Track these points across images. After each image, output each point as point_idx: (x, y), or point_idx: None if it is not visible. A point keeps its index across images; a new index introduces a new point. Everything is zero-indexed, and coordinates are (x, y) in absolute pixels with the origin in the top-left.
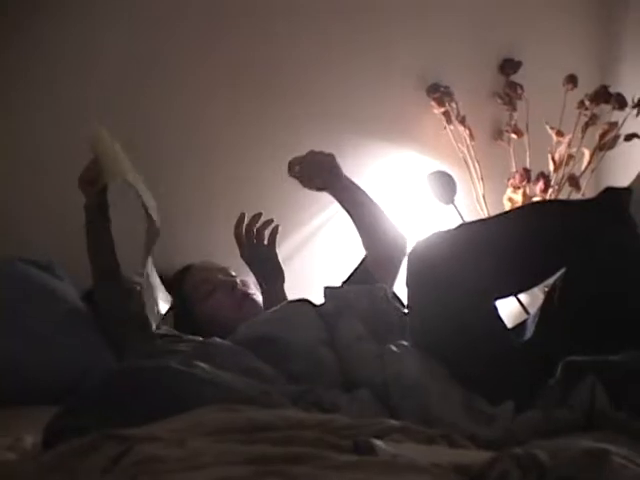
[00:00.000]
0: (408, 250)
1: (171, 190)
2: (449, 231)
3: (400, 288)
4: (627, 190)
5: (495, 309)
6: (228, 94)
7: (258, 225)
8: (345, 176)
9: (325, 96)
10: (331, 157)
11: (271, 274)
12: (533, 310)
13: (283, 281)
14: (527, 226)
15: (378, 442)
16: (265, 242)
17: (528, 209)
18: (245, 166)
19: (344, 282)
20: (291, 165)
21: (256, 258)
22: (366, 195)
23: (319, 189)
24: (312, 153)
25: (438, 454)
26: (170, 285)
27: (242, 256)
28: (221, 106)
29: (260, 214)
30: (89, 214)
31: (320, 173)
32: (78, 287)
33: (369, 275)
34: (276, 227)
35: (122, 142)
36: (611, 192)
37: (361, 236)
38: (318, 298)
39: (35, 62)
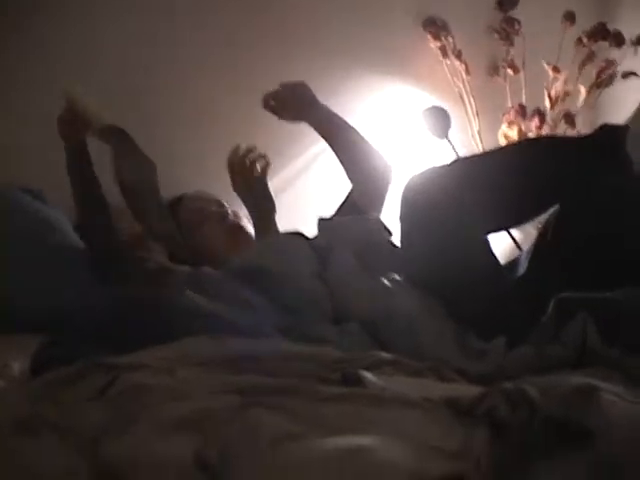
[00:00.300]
0: (394, 179)
1: (163, 124)
2: (444, 166)
3: (389, 221)
4: (624, 127)
5: (488, 244)
6: (221, 22)
7: (251, 156)
8: (323, 106)
9: (319, 29)
10: (302, 86)
11: (262, 206)
12: (526, 247)
13: (274, 213)
14: (522, 161)
15: (367, 374)
16: (257, 174)
17: (524, 145)
18: (238, 98)
19: (332, 216)
20: (265, 99)
21: (248, 190)
22: (347, 124)
23: (295, 120)
24: (284, 85)
25: (428, 388)
26: None
27: (234, 187)
28: (213, 35)
29: (254, 147)
30: (71, 156)
31: (294, 104)
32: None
33: (355, 207)
34: (268, 159)
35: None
36: (607, 129)
37: (344, 167)
38: (310, 231)
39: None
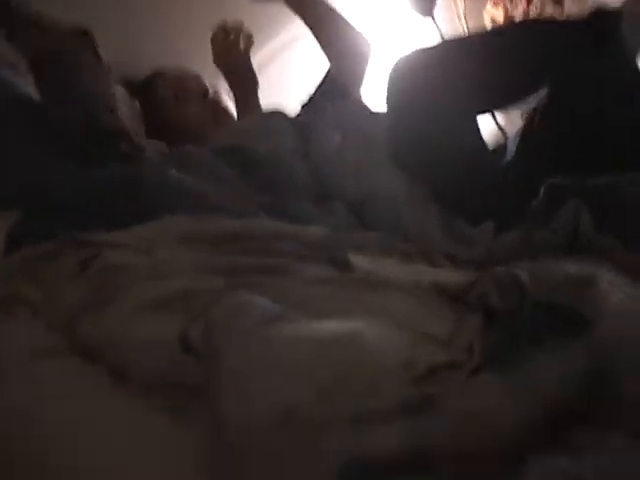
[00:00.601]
0: (373, 55)
1: None
2: (430, 47)
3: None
4: (617, 11)
5: (477, 127)
6: None
7: (236, 32)
8: None
9: None
10: None
11: (245, 82)
12: (511, 132)
13: (257, 89)
14: (511, 43)
15: (355, 257)
16: (240, 48)
17: (513, 27)
18: None
19: (312, 95)
20: None
21: (230, 64)
22: (321, 1)
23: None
24: None
25: (418, 272)
26: (139, 90)
27: (216, 62)
28: None
29: (241, 22)
30: None
31: None
32: None
33: (334, 84)
34: (251, 35)
35: None
36: (600, 13)
37: (320, 43)
38: (293, 106)
39: None
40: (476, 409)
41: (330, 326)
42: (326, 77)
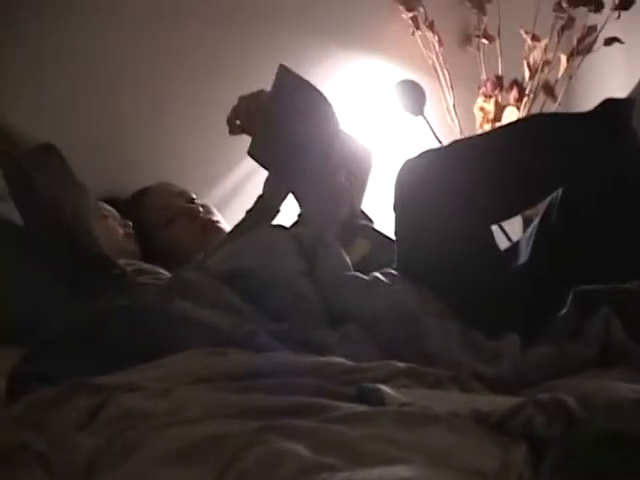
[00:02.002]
0: (374, 162)
1: (127, 109)
2: (439, 149)
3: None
4: (629, 101)
5: (490, 233)
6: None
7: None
8: None
9: (287, 2)
10: (261, 94)
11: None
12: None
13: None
14: (522, 142)
15: (385, 388)
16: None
17: (522, 124)
18: (199, 81)
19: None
20: (230, 123)
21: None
22: None
23: None
24: (242, 99)
25: (453, 400)
26: (126, 209)
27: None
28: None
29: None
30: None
31: (258, 114)
32: None
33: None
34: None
35: None
36: (611, 103)
37: None
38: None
39: None
40: None
41: (376, 475)
42: None
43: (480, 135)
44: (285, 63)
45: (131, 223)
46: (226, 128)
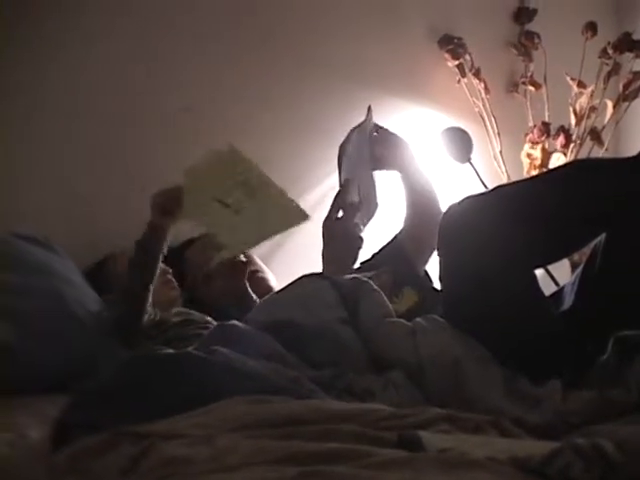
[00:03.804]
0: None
1: (162, 152)
2: (484, 194)
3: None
4: None
5: (534, 278)
6: (228, 43)
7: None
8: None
9: (331, 49)
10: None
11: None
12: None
13: None
14: (567, 188)
15: (425, 434)
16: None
17: (567, 169)
18: (247, 122)
19: (374, 254)
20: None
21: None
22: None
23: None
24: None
25: (491, 446)
26: (170, 259)
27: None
28: (220, 56)
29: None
30: (151, 235)
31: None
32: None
33: (402, 251)
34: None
35: None
36: None
37: (409, 205)
38: None
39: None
40: None
41: None
42: (394, 239)
43: (524, 180)
44: (334, 112)
45: (171, 270)
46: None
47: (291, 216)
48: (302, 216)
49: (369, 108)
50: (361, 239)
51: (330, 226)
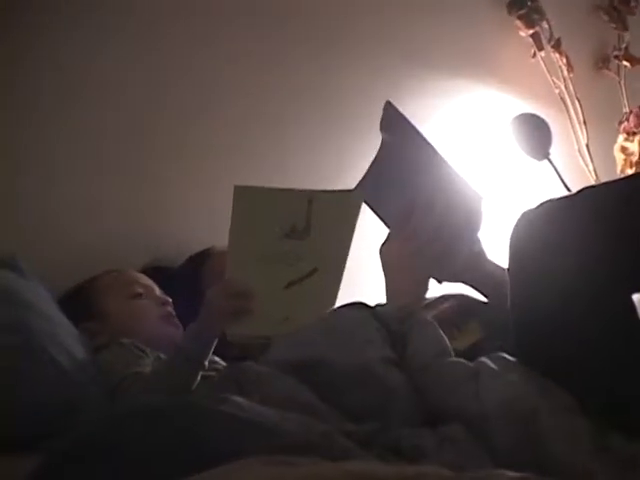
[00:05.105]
0: (486, 212)
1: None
2: (564, 198)
3: None
4: None
5: (632, 306)
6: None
7: None
8: None
9: (379, 19)
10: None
11: None
12: None
13: None
14: None
15: None
16: None
17: None
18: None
19: None
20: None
21: None
22: None
23: None
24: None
25: None
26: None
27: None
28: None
29: None
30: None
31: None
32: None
33: None
34: None
35: None
36: None
37: None
38: None
39: None
40: None
41: None
42: None
43: (618, 181)
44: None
45: (171, 300)
46: None
47: None
48: None
49: (388, 103)
50: (433, 261)
51: (384, 252)
